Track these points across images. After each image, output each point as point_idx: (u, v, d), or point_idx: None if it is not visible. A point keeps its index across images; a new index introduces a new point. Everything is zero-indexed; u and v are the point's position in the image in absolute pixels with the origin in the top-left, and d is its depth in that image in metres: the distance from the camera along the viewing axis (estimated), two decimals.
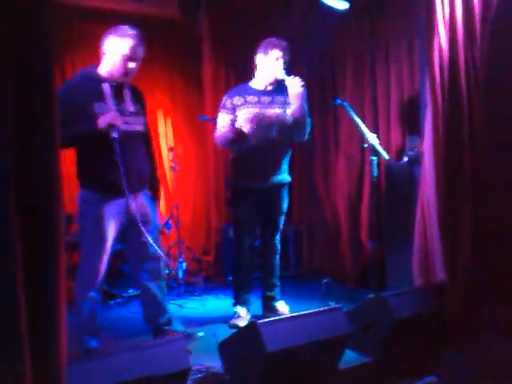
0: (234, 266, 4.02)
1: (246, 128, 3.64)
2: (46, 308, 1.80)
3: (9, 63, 1.68)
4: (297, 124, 3.70)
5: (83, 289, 3.16)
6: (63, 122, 2.29)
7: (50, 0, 1.80)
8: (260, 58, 3.73)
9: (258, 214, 3.82)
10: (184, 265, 5.07)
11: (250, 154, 3.69)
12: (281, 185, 3.82)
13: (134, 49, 3.10)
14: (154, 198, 3.45)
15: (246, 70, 5.09)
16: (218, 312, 4.27)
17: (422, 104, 3.57)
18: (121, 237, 3.23)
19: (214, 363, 2.85)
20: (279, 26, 5.30)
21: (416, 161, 3.80)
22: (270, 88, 3.78)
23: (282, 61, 3.66)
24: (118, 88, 3.18)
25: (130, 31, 3.12)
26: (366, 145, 3.79)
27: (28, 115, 1.75)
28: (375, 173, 3.71)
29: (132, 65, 3.13)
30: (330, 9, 4.56)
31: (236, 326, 3.67)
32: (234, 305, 3.93)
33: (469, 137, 3.22)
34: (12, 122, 1.68)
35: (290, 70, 3.73)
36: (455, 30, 3.18)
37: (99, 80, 3.14)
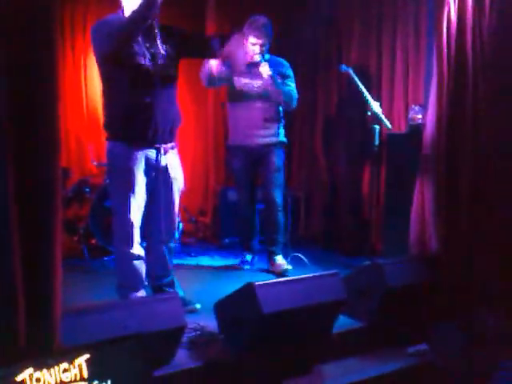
0: (237, 217, 4.52)
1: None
2: (41, 258, 1.81)
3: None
4: (275, 98, 4.13)
5: (120, 244, 3.10)
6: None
7: None
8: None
9: (252, 169, 4.29)
10: (180, 225, 5.08)
11: (238, 116, 4.20)
12: (270, 145, 4.20)
13: None
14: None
15: None
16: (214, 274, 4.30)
17: (427, 75, 3.55)
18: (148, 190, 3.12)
19: (209, 322, 2.88)
20: None
21: (418, 131, 3.79)
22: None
23: (258, 46, 4.00)
24: (147, 29, 2.96)
25: None
26: (368, 112, 3.78)
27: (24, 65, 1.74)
28: (376, 141, 3.70)
29: None
30: None
31: (241, 269, 4.32)
32: (242, 252, 4.46)
33: (472, 110, 3.22)
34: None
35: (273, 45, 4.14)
36: (465, 1, 3.14)
37: None
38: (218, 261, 4.67)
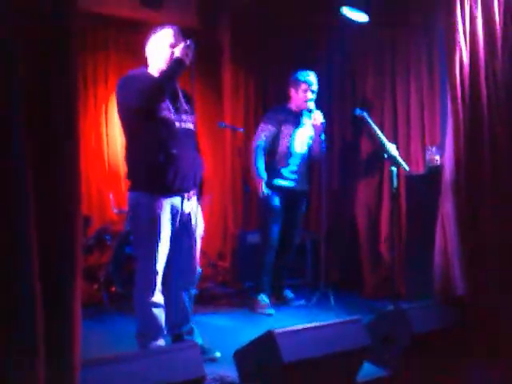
0: (261, 254, 4.50)
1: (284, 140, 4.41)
2: (61, 308, 1.80)
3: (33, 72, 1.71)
4: (314, 148, 4.48)
5: (143, 294, 3.08)
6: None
7: (74, 11, 1.83)
8: (292, 91, 4.47)
9: (285, 210, 4.46)
10: (199, 270, 5.05)
11: (284, 162, 4.44)
12: (303, 192, 4.56)
13: (176, 36, 3.13)
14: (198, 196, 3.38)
15: (266, 79, 5.14)
16: (233, 320, 4.25)
17: (443, 116, 3.55)
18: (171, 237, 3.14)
19: (229, 372, 2.84)
20: (300, 36, 5.33)
21: (436, 173, 3.77)
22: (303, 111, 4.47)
23: (310, 92, 4.35)
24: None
25: (166, 26, 3.20)
26: (385, 155, 3.78)
27: (47, 114, 1.76)
28: (395, 184, 3.69)
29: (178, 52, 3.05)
30: (351, 21, 4.58)
31: (262, 313, 4.28)
32: (258, 292, 4.42)
33: (490, 150, 3.20)
34: (32, 127, 1.69)
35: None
36: (476, 44, 3.18)
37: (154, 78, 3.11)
38: (237, 306, 4.63)
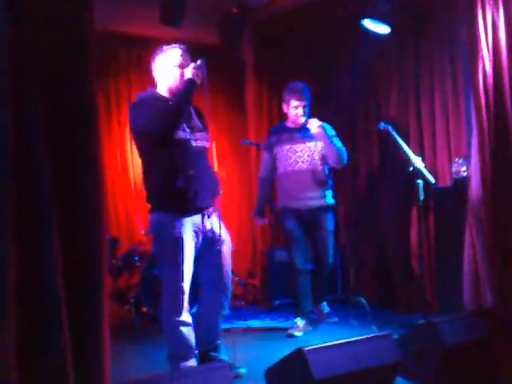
0: (291, 280, 4.40)
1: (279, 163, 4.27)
2: (89, 331, 1.82)
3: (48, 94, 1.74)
4: (329, 155, 4.17)
5: (169, 313, 3.10)
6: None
7: (91, 29, 1.88)
8: (284, 107, 4.32)
9: (305, 229, 4.27)
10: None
11: (285, 187, 4.28)
12: (320, 208, 4.24)
13: (184, 55, 3.15)
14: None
15: None
16: (264, 338, 4.25)
17: (468, 127, 3.54)
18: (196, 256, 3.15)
19: None
20: (323, 51, 5.36)
21: (463, 184, 3.74)
22: (300, 126, 4.25)
23: (300, 108, 4.17)
24: None
25: (174, 44, 3.22)
26: (410, 168, 3.77)
27: (70, 143, 1.80)
28: (421, 196, 3.67)
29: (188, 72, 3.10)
30: (373, 34, 4.58)
31: (292, 336, 4.11)
32: (295, 316, 4.29)
33: None
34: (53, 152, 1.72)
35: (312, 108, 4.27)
36: (499, 54, 3.16)
37: (165, 99, 3.11)
38: (267, 324, 4.61)
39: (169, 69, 3.14)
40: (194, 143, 3.11)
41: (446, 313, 3.60)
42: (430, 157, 4.63)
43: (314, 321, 4.34)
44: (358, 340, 2.77)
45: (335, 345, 2.76)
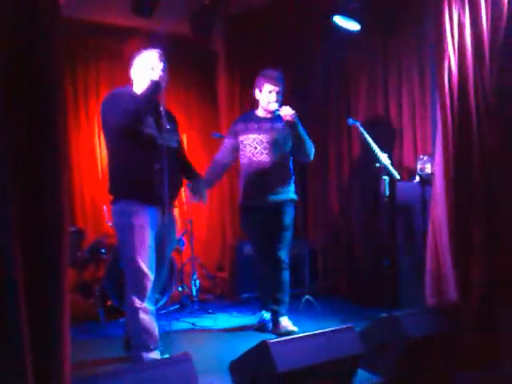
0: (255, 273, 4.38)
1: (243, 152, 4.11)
2: (49, 325, 1.80)
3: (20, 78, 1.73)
4: (297, 148, 4.04)
5: (133, 297, 3.18)
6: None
7: (59, 16, 1.88)
8: (257, 92, 4.14)
9: (262, 228, 4.10)
10: (197, 282, 5.07)
11: (248, 177, 4.10)
12: (280, 203, 4.05)
13: (159, 58, 3.31)
14: (197, 176, 3.65)
15: None
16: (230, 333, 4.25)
17: (433, 125, 3.58)
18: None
19: (224, 383, 2.84)
20: (294, 45, 5.37)
21: (427, 181, 3.81)
22: (269, 116, 4.11)
23: (274, 93, 4.03)
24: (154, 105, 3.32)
25: (151, 49, 3.38)
26: (377, 164, 3.81)
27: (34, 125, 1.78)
28: (387, 192, 3.72)
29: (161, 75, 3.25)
30: (343, 30, 4.61)
31: (260, 329, 4.14)
32: (260, 310, 4.27)
33: (479, 158, 3.23)
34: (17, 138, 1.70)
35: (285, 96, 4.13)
36: (465, 53, 3.21)
37: (134, 96, 3.28)
38: (235, 319, 4.62)
39: (143, 71, 3.33)
40: (160, 141, 3.25)
41: (408, 308, 3.66)
42: (398, 153, 4.69)
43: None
44: (320, 333, 2.81)
45: (298, 337, 2.79)
